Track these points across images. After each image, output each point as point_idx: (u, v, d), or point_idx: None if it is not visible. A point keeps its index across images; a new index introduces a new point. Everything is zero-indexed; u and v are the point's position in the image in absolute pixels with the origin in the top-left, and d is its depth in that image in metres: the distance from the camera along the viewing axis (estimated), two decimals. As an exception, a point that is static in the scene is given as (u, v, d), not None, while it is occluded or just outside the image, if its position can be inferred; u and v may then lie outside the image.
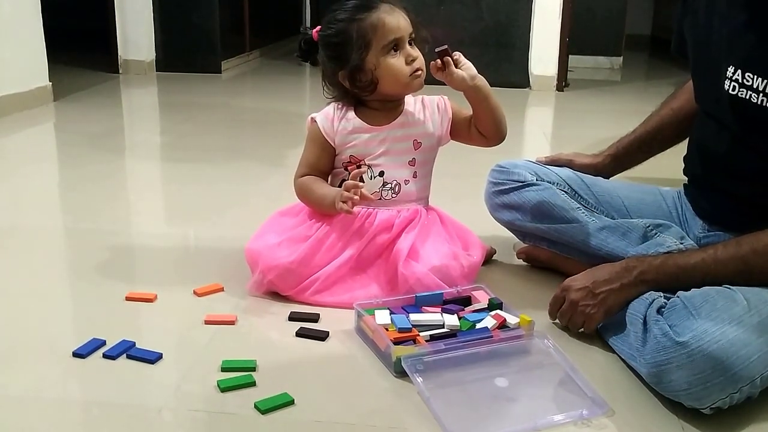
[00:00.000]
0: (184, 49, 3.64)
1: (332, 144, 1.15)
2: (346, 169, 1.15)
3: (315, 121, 1.16)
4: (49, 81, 2.77)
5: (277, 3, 4.88)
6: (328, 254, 1.10)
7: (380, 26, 1.08)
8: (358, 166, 1.13)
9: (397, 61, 1.09)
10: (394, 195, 1.14)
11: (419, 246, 1.10)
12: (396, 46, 1.09)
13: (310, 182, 1.15)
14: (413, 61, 1.10)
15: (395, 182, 1.14)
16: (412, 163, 1.15)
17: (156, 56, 3.64)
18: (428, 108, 1.18)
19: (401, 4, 1.12)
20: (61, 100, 2.81)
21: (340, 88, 1.14)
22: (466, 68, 1.10)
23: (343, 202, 1.05)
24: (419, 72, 1.10)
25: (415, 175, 1.15)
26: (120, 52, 3.55)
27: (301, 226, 1.14)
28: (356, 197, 1.05)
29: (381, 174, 1.14)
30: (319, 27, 1.14)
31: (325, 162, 1.16)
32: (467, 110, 1.17)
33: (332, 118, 1.15)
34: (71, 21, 4.16)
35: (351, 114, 1.15)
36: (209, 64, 3.64)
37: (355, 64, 1.09)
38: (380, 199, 1.14)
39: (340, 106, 1.15)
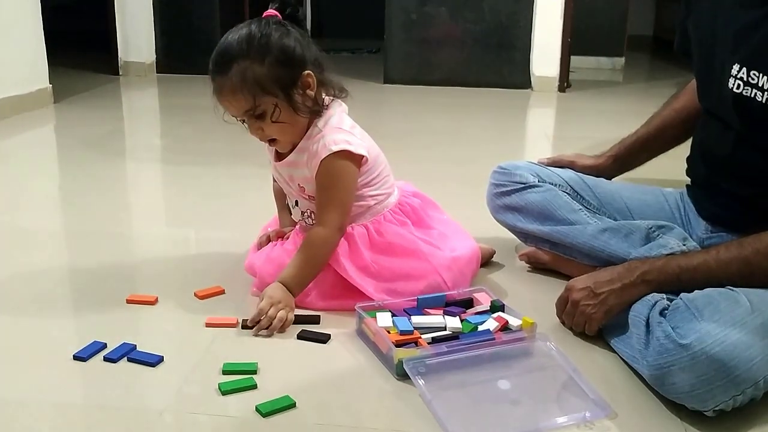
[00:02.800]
0: (185, 51, 3.64)
1: None
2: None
3: None
4: (50, 83, 2.77)
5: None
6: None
7: (217, 100, 1.05)
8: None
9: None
10: (312, 222, 1.13)
11: (393, 273, 1.07)
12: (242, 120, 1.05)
13: (276, 197, 1.23)
14: (252, 134, 1.06)
15: (309, 211, 1.13)
16: (311, 198, 1.10)
17: (156, 58, 3.64)
18: (308, 151, 1.06)
19: (234, 80, 1.00)
20: (61, 102, 2.81)
21: None
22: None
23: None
24: (268, 142, 1.07)
25: None
26: (120, 54, 3.55)
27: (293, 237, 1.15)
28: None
29: (296, 203, 1.15)
30: (272, 12, 1.05)
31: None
32: (324, 195, 1.06)
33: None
34: (71, 23, 4.16)
35: None
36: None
37: None
38: (306, 225, 1.15)
39: None
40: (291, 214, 1.20)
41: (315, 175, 1.06)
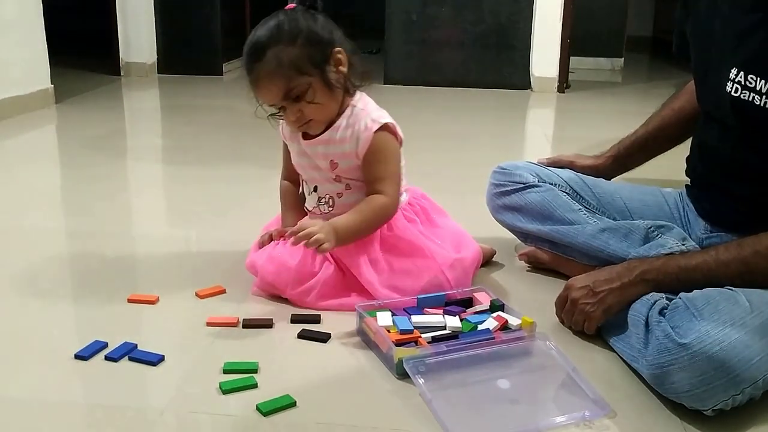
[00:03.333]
0: (186, 52, 3.65)
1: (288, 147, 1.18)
2: (301, 189, 1.18)
3: None
4: (51, 84, 2.77)
5: (279, 5, 4.89)
6: (320, 257, 1.09)
7: (254, 95, 1.07)
8: (303, 183, 1.17)
9: (285, 118, 1.09)
10: (330, 208, 1.13)
11: (397, 269, 1.08)
12: (280, 108, 1.07)
13: (281, 196, 1.23)
14: (287, 119, 1.08)
15: (328, 196, 1.13)
16: (338, 179, 1.12)
17: (157, 59, 3.64)
18: (353, 128, 1.08)
19: (271, 64, 1.02)
20: (62, 102, 2.82)
21: None
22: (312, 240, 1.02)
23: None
24: (303, 125, 1.08)
25: (348, 188, 1.12)
26: (121, 55, 3.55)
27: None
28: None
29: (315, 189, 1.14)
30: (291, 5, 1.08)
31: (288, 160, 1.19)
32: (377, 168, 1.08)
33: (284, 124, 1.16)
34: (73, 23, 4.16)
35: None
36: (211, 66, 3.64)
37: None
38: (320, 213, 1.14)
39: None
40: (304, 204, 1.19)
41: (366, 150, 1.08)
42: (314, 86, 1.05)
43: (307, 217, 1.18)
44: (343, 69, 1.07)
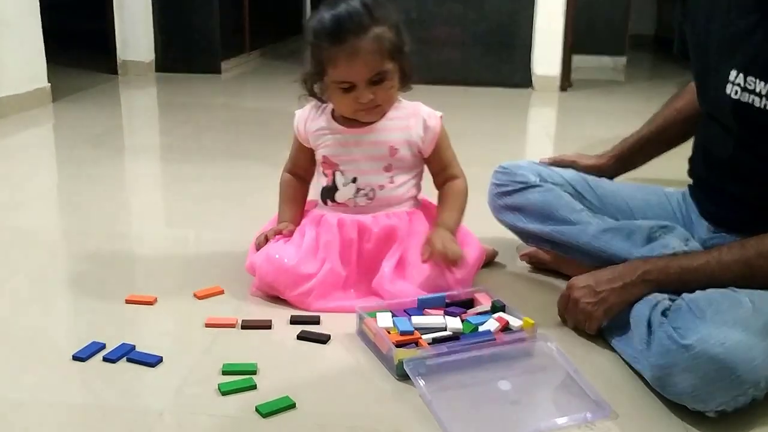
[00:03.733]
0: (184, 50, 3.64)
1: (306, 143, 1.16)
2: (324, 174, 1.15)
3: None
4: (48, 82, 2.76)
5: (277, 3, 4.88)
6: (319, 257, 1.09)
7: (334, 66, 1.06)
8: (333, 172, 1.13)
9: (344, 98, 1.08)
10: (369, 201, 1.13)
11: (407, 259, 1.09)
12: (348, 86, 1.06)
13: (283, 190, 1.21)
14: (360, 100, 1.07)
15: (369, 188, 1.13)
16: (387, 168, 1.13)
17: (155, 57, 3.63)
18: (416, 117, 1.13)
19: (373, 43, 1.04)
20: (60, 101, 2.81)
21: (306, 84, 1.13)
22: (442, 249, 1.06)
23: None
24: (369, 109, 1.09)
25: (391, 181, 1.13)
26: (119, 53, 3.54)
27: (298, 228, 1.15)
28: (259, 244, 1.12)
29: (354, 180, 1.13)
30: None
31: (305, 159, 1.18)
32: (447, 153, 1.16)
33: (306, 118, 1.15)
34: (70, 22, 4.15)
35: (327, 113, 1.14)
36: (209, 64, 3.63)
37: (311, 74, 1.10)
38: (355, 206, 1.13)
39: (318, 105, 1.15)
40: (305, 199, 1.19)
41: (438, 137, 1.14)
42: (395, 74, 1.08)
43: (334, 214, 1.13)
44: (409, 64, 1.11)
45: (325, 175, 1.15)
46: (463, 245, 1.14)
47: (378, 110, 1.10)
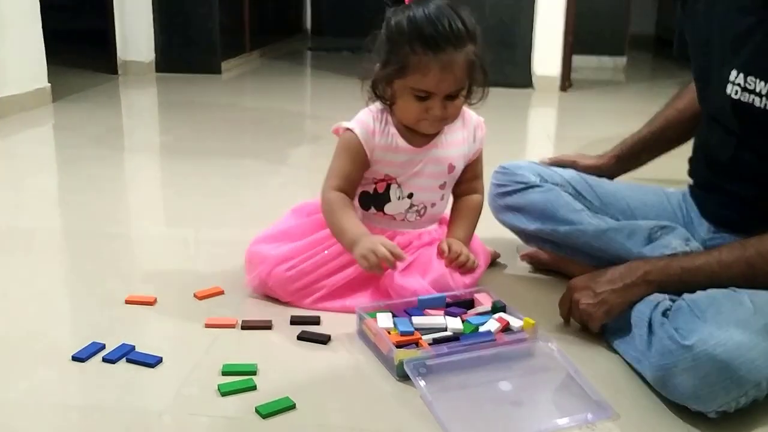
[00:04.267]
0: (184, 50, 3.64)
1: (369, 157, 1.07)
2: (374, 185, 1.10)
3: (352, 130, 1.06)
4: (48, 82, 2.76)
5: (277, 3, 4.88)
6: (332, 268, 1.08)
7: (421, 74, 0.99)
8: (388, 186, 1.08)
9: (414, 105, 1.03)
10: (418, 217, 1.12)
11: (419, 260, 1.08)
12: (424, 96, 1.02)
13: (339, 207, 1.06)
14: (432, 112, 1.03)
15: (422, 205, 1.11)
16: (442, 186, 1.12)
17: (155, 57, 3.64)
18: (468, 128, 1.12)
19: (466, 59, 1.01)
20: (60, 101, 2.81)
21: (375, 81, 1.05)
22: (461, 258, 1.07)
23: (365, 257, 0.98)
24: (434, 122, 1.05)
25: (442, 198, 1.14)
26: (119, 53, 3.54)
27: (308, 238, 1.10)
28: (389, 263, 0.99)
29: (410, 196, 1.10)
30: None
31: (359, 174, 1.09)
32: (481, 164, 1.16)
33: (372, 131, 1.06)
34: (70, 22, 4.15)
35: (392, 129, 1.07)
36: (209, 64, 3.63)
37: (387, 73, 1.02)
38: (403, 220, 1.11)
39: (378, 117, 1.07)
40: (378, 212, 1.11)
41: (480, 149, 1.14)
42: (467, 90, 1.06)
43: (382, 229, 1.09)
44: None
45: (374, 185, 1.10)
46: (474, 253, 1.14)
47: (442, 123, 1.07)
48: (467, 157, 1.13)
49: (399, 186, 1.09)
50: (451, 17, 1.00)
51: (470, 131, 1.12)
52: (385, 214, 1.11)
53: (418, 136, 1.08)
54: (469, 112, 1.13)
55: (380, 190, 1.10)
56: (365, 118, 1.08)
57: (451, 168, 1.11)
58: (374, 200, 1.11)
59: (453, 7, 1.02)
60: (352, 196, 1.10)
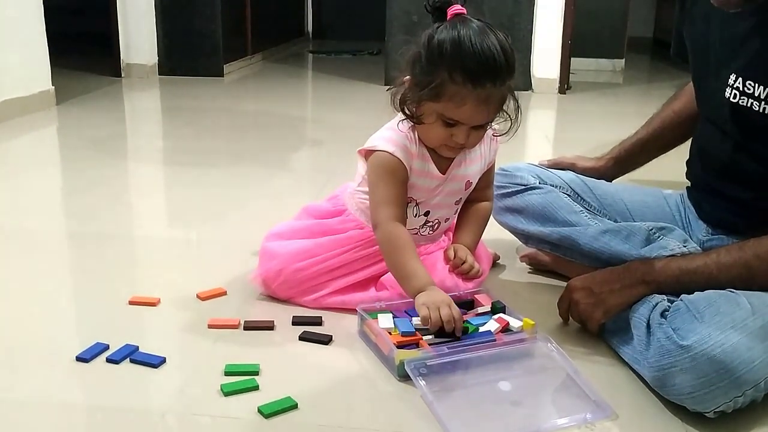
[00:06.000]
0: (186, 53, 3.65)
1: (408, 180, 1.04)
2: None
3: (392, 154, 1.01)
4: (52, 85, 2.77)
5: (279, 6, 4.90)
6: (339, 273, 1.09)
7: (455, 103, 0.95)
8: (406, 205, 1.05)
9: (440, 131, 0.99)
10: (431, 232, 1.12)
11: (424, 264, 1.07)
12: (453, 123, 0.98)
13: (403, 244, 1.00)
14: (455, 139, 0.99)
15: (437, 221, 1.11)
16: (458, 202, 1.12)
17: (158, 60, 3.65)
18: (485, 142, 1.09)
19: (503, 96, 0.98)
20: (63, 104, 2.82)
21: (405, 97, 1.00)
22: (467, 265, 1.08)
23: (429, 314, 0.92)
24: (454, 149, 1.02)
25: (456, 212, 1.14)
26: (122, 56, 3.55)
27: (321, 239, 1.09)
28: (448, 328, 0.92)
29: (426, 213, 1.09)
30: (462, 10, 0.98)
31: (406, 198, 1.05)
32: (494, 173, 1.16)
33: (412, 154, 1.03)
34: (74, 25, 4.17)
35: (423, 150, 1.04)
36: (211, 67, 3.64)
37: (420, 94, 0.97)
38: (416, 234, 1.11)
39: (411, 138, 1.02)
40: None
41: (494, 159, 1.13)
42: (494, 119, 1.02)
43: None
44: None
45: None
46: (478, 260, 1.14)
47: (461, 150, 1.04)
48: (482, 171, 1.12)
49: (417, 205, 1.08)
50: (495, 49, 0.95)
51: (487, 145, 1.11)
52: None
53: (443, 159, 1.05)
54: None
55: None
56: (400, 140, 1.03)
57: (468, 185, 1.11)
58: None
59: (496, 32, 0.97)
60: (405, 221, 1.06)
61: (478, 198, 1.15)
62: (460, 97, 0.95)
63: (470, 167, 1.10)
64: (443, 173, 1.06)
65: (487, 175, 1.15)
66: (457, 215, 1.16)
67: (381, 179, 1.03)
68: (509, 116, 1.02)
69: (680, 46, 1.10)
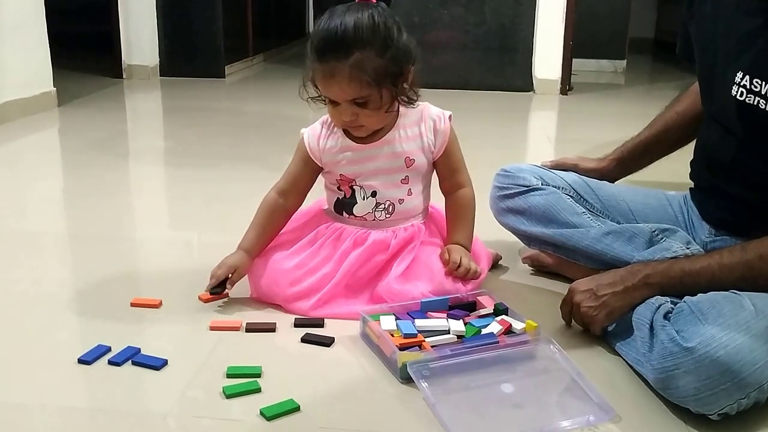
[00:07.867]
0: (188, 54, 3.65)
1: (318, 163, 1.12)
2: (338, 188, 1.12)
3: (302, 135, 1.13)
4: (53, 86, 2.78)
5: (281, 7, 4.90)
6: (319, 270, 1.09)
7: (317, 80, 1.03)
8: (351, 186, 1.10)
9: (330, 110, 1.06)
10: (387, 215, 1.12)
11: (419, 264, 1.09)
12: (333, 101, 1.04)
13: (262, 211, 1.14)
14: (342, 117, 1.04)
15: (389, 202, 1.11)
16: (405, 181, 1.11)
17: (160, 61, 3.65)
18: (426, 122, 1.11)
19: (351, 69, 0.99)
20: (65, 105, 2.82)
21: (304, 81, 1.07)
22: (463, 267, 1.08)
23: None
24: (353, 127, 1.06)
25: (409, 193, 1.12)
26: (124, 57, 3.56)
27: (299, 242, 1.13)
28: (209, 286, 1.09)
29: (373, 194, 1.11)
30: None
31: (307, 179, 1.14)
32: (456, 157, 1.14)
33: (318, 136, 1.11)
34: (75, 26, 4.17)
35: (339, 130, 1.10)
36: (213, 68, 3.65)
37: (309, 80, 1.05)
38: (374, 220, 1.12)
39: (327, 120, 1.11)
40: (283, 223, 1.14)
41: (447, 141, 1.12)
42: (382, 98, 1.03)
43: (353, 228, 1.11)
44: (407, 85, 1.07)
45: (341, 190, 1.12)
46: (476, 259, 1.14)
47: (364, 129, 1.07)
48: (429, 150, 1.11)
49: (361, 187, 1.11)
50: (339, 28, 0.99)
51: (428, 123, 1.11)
52: (356, 216, 1.12)
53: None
54: (428, 107, 1.12)
55: (348, 195, 1.12)
56: (316, 123, 1.13)
57: (410, 161, 1.10)
58: (345, 205, 1.13)
59: (363, 12, 1.00)
60: (295, 199, 1.15)
61: (452, 186, 1.15)
62: (316, 74, 1.03)
63: (407, 144, 1.10)
64: (363, 144, 1.09)
65: (447, 160, 1.13)
66: (419, 199, 1.13)
67: (293, 157, 1.15)
68: (395, 91, 1.04)
69: (686, 45, 1.10)
